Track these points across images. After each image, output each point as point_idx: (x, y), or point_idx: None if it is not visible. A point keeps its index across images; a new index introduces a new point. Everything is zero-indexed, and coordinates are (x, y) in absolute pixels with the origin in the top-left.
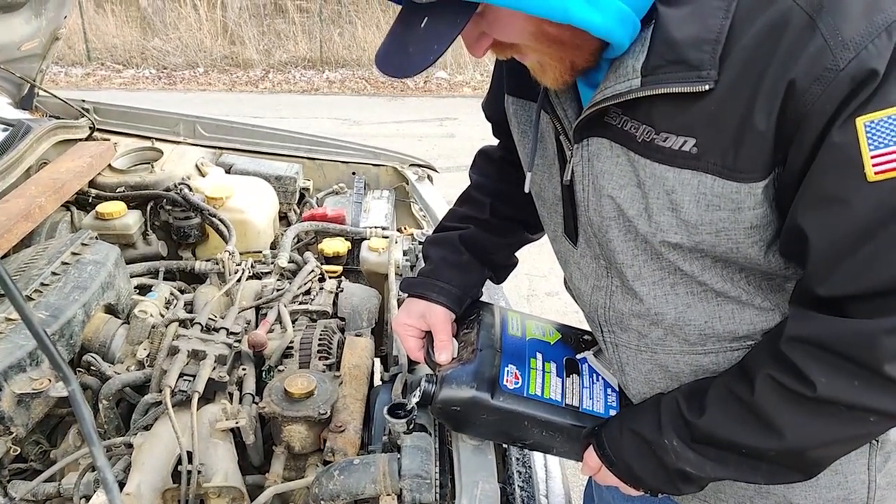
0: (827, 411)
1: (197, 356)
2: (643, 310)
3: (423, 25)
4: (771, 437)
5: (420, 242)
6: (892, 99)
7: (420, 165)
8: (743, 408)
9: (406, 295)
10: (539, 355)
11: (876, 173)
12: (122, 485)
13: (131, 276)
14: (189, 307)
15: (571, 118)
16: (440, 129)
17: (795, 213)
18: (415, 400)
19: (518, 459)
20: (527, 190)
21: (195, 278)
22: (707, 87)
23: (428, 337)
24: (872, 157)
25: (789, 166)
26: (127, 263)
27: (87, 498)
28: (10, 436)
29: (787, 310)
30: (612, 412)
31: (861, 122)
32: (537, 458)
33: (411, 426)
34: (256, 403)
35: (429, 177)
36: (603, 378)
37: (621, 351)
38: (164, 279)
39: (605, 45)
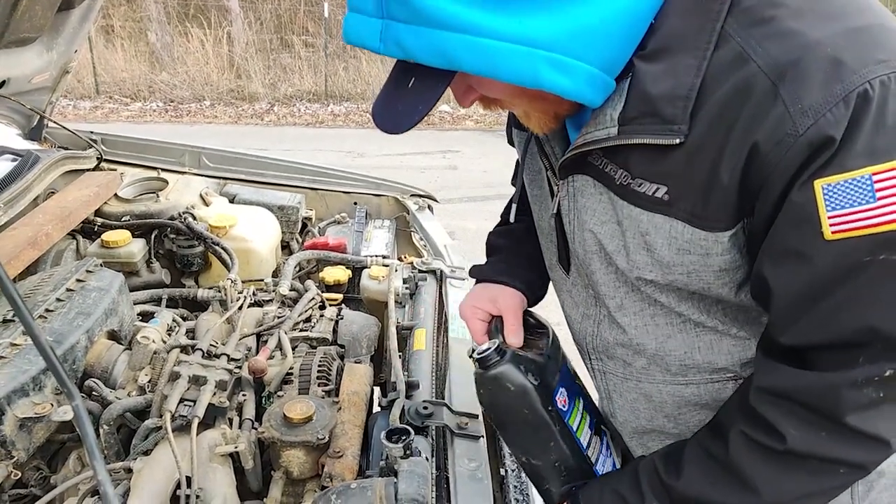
0: (799, 465)
1: (198, 382)
2: (626, 340)
3: (410, 86)
4: (747, 495)
5: (420, 271)
6: (848, 164)
7: (420, 195)
8: (718, 466)
9: (473, 281)
10: (581, 401)
11: (833, 232)
12: None
13: (135, 304)
14: (191, 334)
15: (558, 155)
16: (443, 161)
17: (760, 265)
18: (485, 347)
19: (516, 487)
20: (511, 219)
21: (197, 306)
22: (678, 141)
23: (495, 322)
24: (829, 218)
25: (757, 218)
26: (131, 291)
27: None
28: (11, 460)
29: None
30: None
31: (819, 184)
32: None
33: (408, 451)
34: (256, 429)
35: (429, 206)
36: (614, 459)
37: (608, 378)
38: (167, 306)
39: None
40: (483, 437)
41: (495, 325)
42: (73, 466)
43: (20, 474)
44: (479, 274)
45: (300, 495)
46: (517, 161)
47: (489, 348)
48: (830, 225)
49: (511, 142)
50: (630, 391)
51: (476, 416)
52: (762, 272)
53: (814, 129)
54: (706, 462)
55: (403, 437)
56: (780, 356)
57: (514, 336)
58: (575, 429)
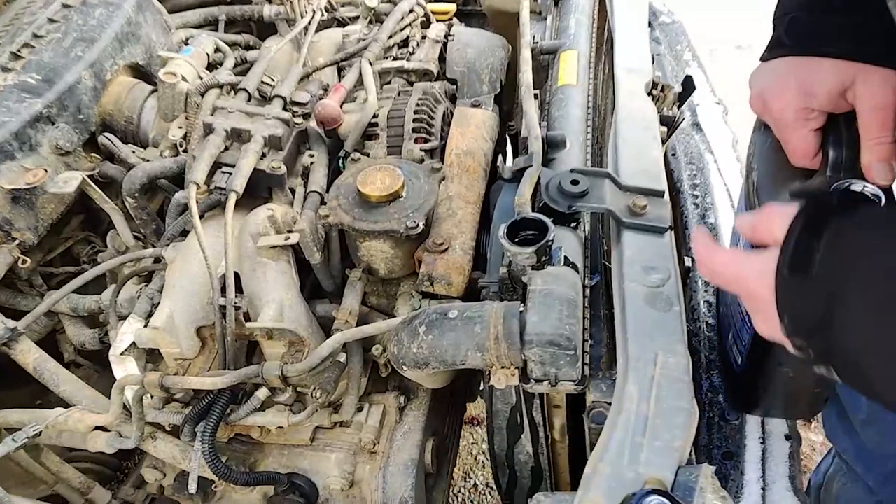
0: None
1: (240, 137)
2: None
3: None
4: None
5: None
6: None
7: None
8: None
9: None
10: None
11: None
12: (151, 314)
13: (182, 27)
14: (245, 69)
15: None
16: None
17: None
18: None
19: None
20: None
21: (270, 30)
22: None
23: (837, 132)
24: None
25: None
26: (177, 11)
27: (124, 318)
28: (14, 243)
29: None
30: None
31: None
32: None
33: (544, 258)
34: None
35: None
36: None
37: None
38: (230, 32)
39: None
40: (671, 227)
41: (836, 139)
42: (114, 245)
43: (28, 261)
44: (805, 38)
45: (392, 296)
46: None
47: (878, 199)
48: None
49: None
50: None
51: (660, 195)
52: None
53: None
54: None
55: (536, 235)
56: None
57: (887, 166)
58: None
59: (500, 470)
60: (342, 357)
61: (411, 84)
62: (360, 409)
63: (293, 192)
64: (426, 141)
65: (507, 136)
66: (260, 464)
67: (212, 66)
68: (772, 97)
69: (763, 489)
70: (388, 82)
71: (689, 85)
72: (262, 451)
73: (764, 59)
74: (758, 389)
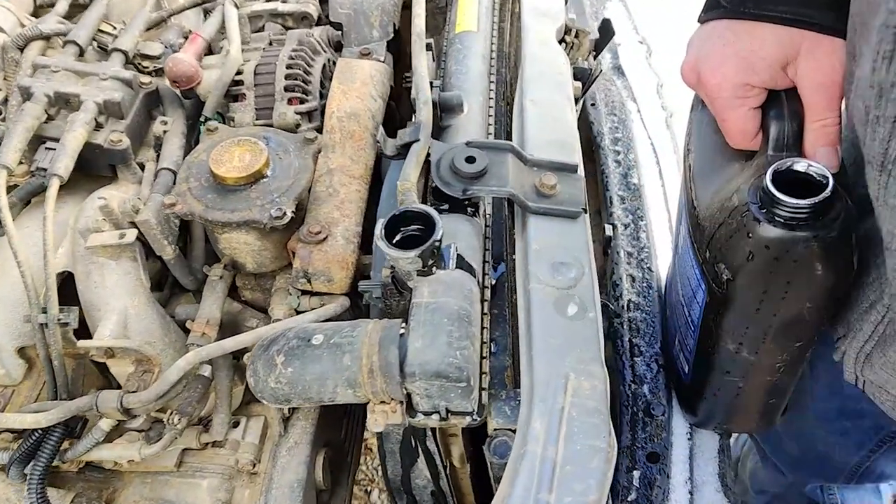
0: None
1: (68, 104)
2: None
3: None
4: None
5: None
6: None
7: None
8: None
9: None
10: None
11: None
12: None
13: None
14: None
15: None
16: None
17: None
18: (799, 166)
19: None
20: None
21: None
22: None
23: (779, 109)
24: None
25: None
26: None
27: None
28: None
29: None
30: None
31: None
32: None
33: (431, 262)
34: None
35: None
36: None
37: None
38: None
39: None
40: (585, 210)
41: (777, 114)
42: None
43: None
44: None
45: (266, 290)
46: None
47: (825, 181)
48: None
49: None
50: None
51: (573, 170)
52: None
53: None
54: None
55: (422, 231)
56: None
57: (830, 152)
58: None
59: (398, 495)
60: (206, 371)
61: (288, 30)
62: (235, 425)
63: (142, 167)
64: (302, 102)
65: (405, 87)
66: (119, 494)
67: (40, 11)
68: (707, 70)
69: (691, 492)
70: (261, 28)
71: (606, 30)
72: (121, 479)
73: (701, 20)
74: (707, 401)
